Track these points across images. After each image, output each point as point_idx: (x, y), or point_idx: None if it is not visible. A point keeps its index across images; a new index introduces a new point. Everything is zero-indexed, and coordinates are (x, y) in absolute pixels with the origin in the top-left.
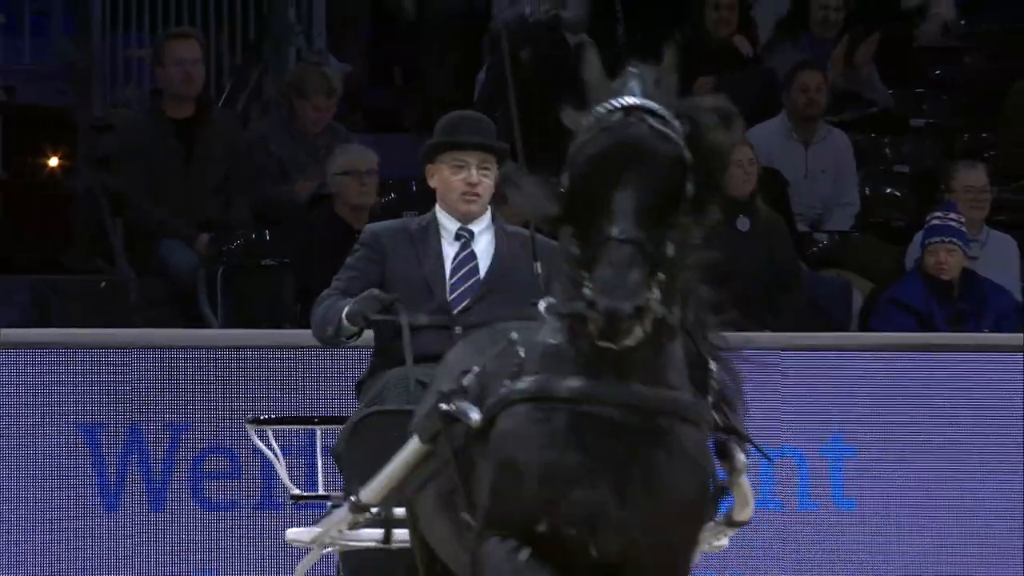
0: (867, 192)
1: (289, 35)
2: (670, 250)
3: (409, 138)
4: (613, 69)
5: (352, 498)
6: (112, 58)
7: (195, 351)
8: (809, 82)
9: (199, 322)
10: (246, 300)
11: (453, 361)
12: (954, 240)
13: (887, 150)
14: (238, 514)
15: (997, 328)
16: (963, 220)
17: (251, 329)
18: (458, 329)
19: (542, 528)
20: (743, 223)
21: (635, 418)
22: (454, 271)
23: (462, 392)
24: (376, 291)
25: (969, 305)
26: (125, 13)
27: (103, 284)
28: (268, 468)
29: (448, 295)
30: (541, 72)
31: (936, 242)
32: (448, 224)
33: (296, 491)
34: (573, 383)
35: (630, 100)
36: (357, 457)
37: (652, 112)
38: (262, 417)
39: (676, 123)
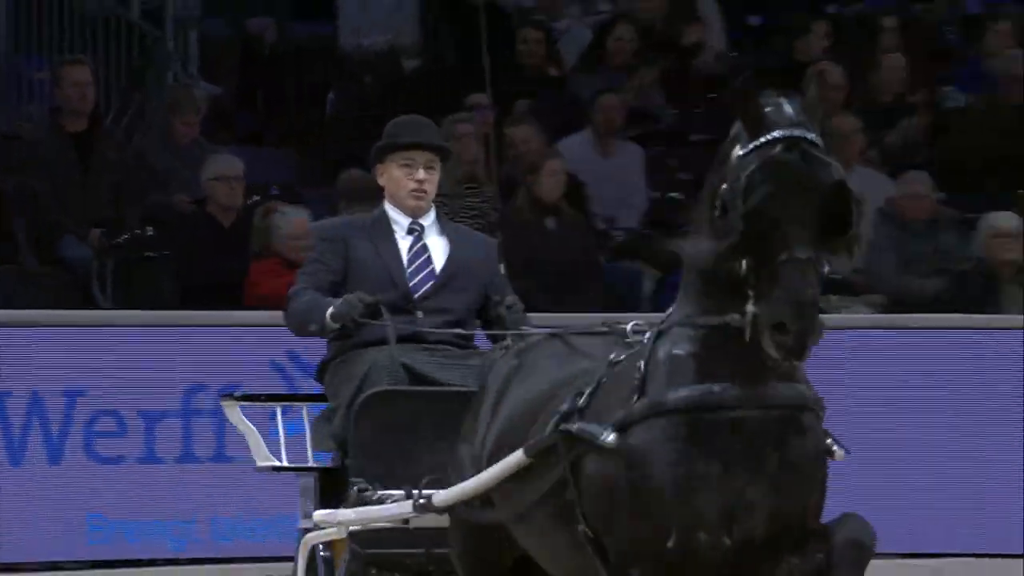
0: (655, 195)
1: (168, 62)
2: (826, 267)
3: (270, 151)
4: (450, 91)
5: (422, 500)
6: (17, 79)
7: (88, 329)
8: (608, 104)
9: (92, 305)
10: (132, 287)
11: (536, 381)
12: None
13: (671, 160)
14: (124, 467)
15: None
16: None
17: (137, 311)
18: (420, 314)
19: (671, 543)
20: (551, 223)
21: (775, 414)
22: (411, 261)
23: (578, 412)
24: (361, 294)
25: None
26: (27, 40)
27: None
28: (152, 427)
29: (408, 283)
30: (380, 92)
31: None
32: (399, 219)
33: (262, 463)
34: (727, 390)
35: (788, 132)
36: (365, 438)
37: (808, 141)
38: (236, 394)
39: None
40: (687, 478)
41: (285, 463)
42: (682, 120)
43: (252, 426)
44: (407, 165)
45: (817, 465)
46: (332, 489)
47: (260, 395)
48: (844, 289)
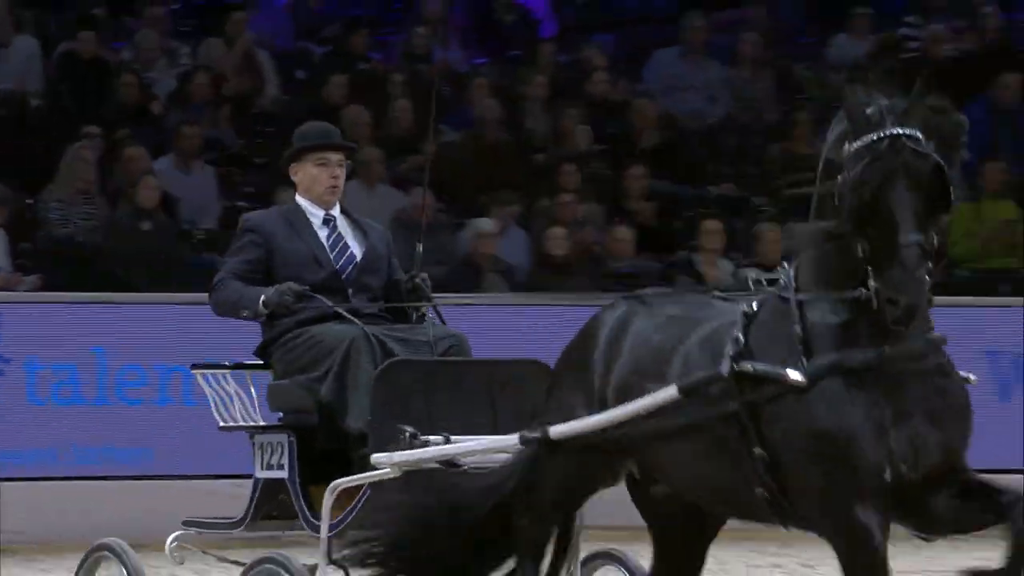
0: (226, 204)
1: None
2: (935, 242)
3: None
4: (68, 124)
5: (538, 434)
6: None
7: None
8: (189, 133)
9: None
10: None
11: (666, 332)
12: None
13: (237, 178)
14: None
15: None
16: None
17: None
18: (350, 291)
19: (890, 478)
20: (147, 224)
21: (929, 365)
22: (332, 247)
23: (744, 356)
24: (291, 284)
25: None
26: None
27: None
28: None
29: (335, 266)
30: (12, 125)
31: None
32: (313, 211)
33: (220, 423)
34: (886, 351)
35: (892, 131)
36: (388, 399)
37: (910, 137)
38: (201, 363)
39: (924, 140)
40: (878, 421)
41: (244, 423)
42: (246, 147)
43: (213, 390)
44: (323, 164)
45: (967, 399)
46: (309, 443)
47: (223, 364)
48: None
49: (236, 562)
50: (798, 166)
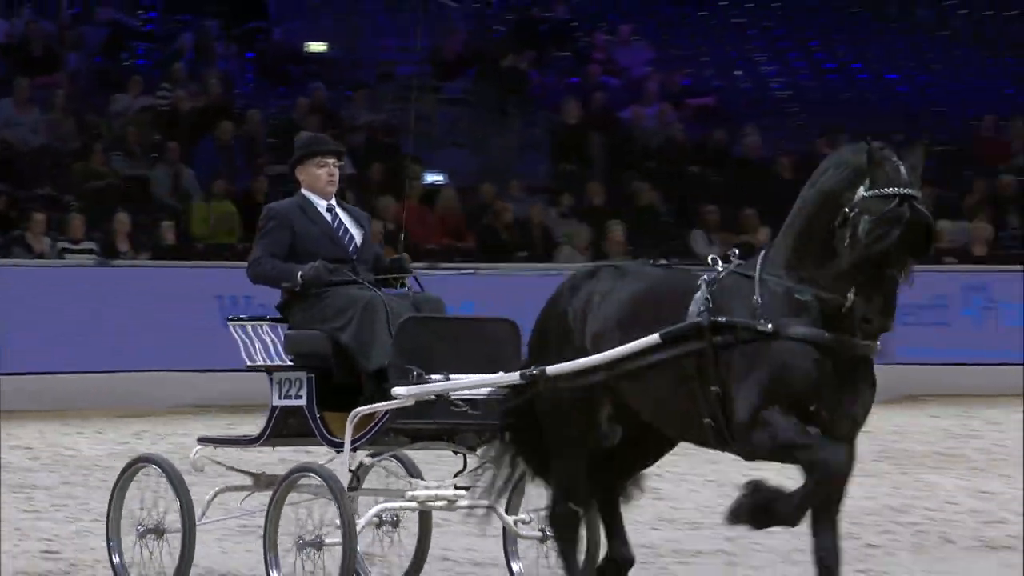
0: None
1: None
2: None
3: None
4: None
5: (535, 371)
6: None
7: None
8: None
9: None
10: None
11: (633, 292)
12: None
13: None
14: None
15: None
16: None
17: None
18: (361, 268)
19: (812, 408)
20: None
21: (860, 356)
22: (337, 230)
23: (713, 312)
24: (323, 262)
25: None
26: None
27: None
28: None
29: (346, 246)
30: None
31: None
32: (318, 202)
33: (247, 362)
34: (831, 335)
35: (904, 191)
36: (405, 347)
37: (915, 197)
38: (238, 316)
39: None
40: (816, 372)
41: (268, 362)
42: None
43: (242, 337)
44: (322, 165)
45: (872, 398)
46: (322, 379)
47: (255, 317)
48: None
49: (244, 471)
50: (95, 176)
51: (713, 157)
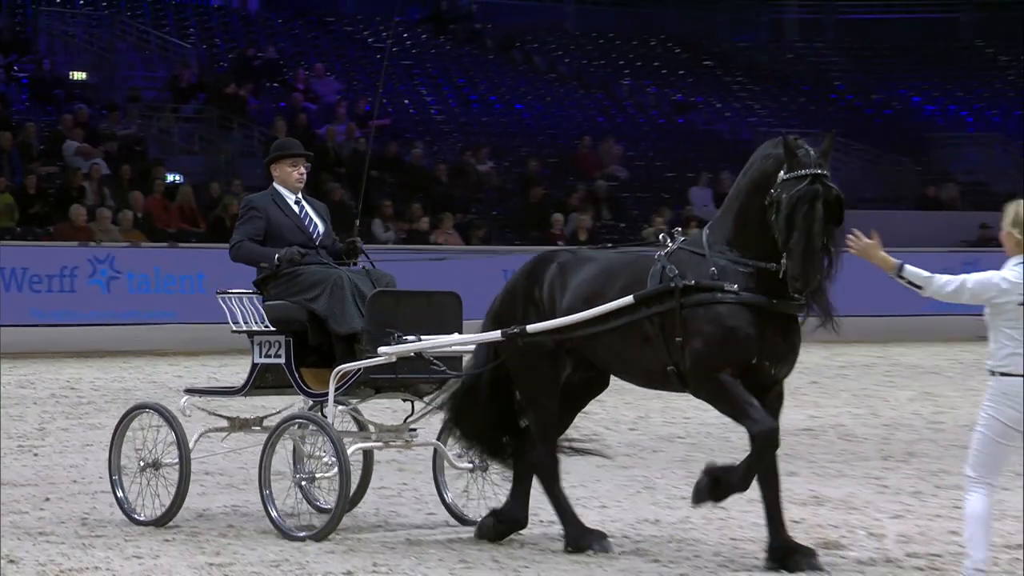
0: None
1: None
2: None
3: None
4: None
5: (516, 329)
6: None
7: None
8: None
9: None
10: None
11: (598, 270)
12: None
13: None
14: None
15: None
16: None
17: None
18: (322, 252)
19: (753, 361)
20: None
21: (791, 315)
22: (303, 219)
23: (675, 278)
24: (296, 248)
25: None
26: None
27: None
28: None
29: (310, 233)
30: None
31: None
32: (288, 195)
33: (233, 328)
34: (764, 298)
35: (814, 171)
36: (376, 316)
37: (825, 175)
38: (225, 290)
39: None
40: (759, 331)
41: (251, 327)
42: None
43: (229, 307)
44: (293, 165)
45: (800, 342)
46: (303, 341)
47: (240, 291)
48: None
49: (226, 417)
50: None
51: (388, 164)
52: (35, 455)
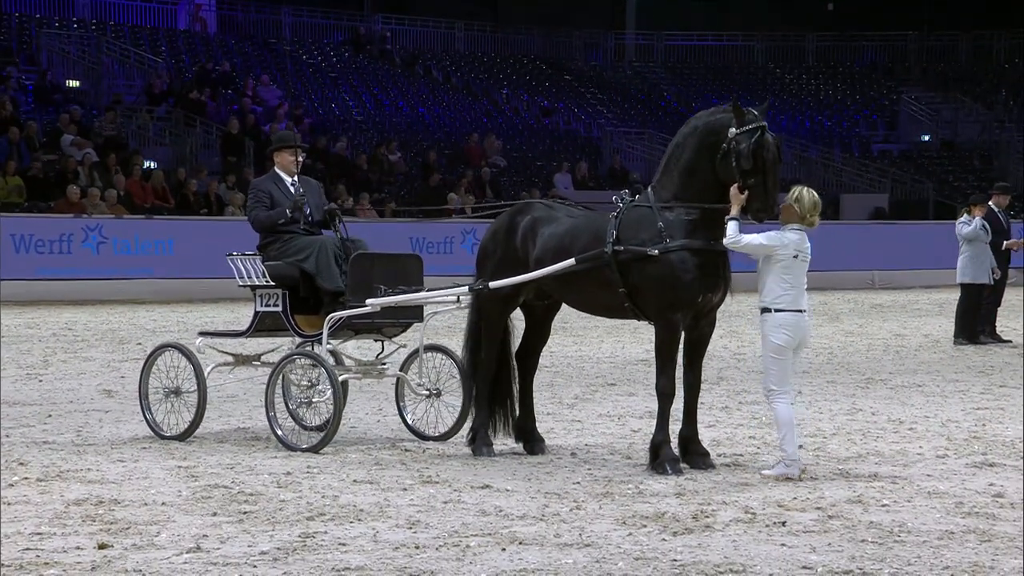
0: None
1: None
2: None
3: None
4: None
5: (483, 285)
6: None
7: None
8: None
9: None
10: None
11: (565, 228)
12: None
13: None
14: None
15: None
16: None
17: None
18: (311, 218)
19: (700, 300)
20: None
21: (722, 252)
22: (299, 195)
23: (618, 241)
24: (296, 200)
25: None
26: None
27: None
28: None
29: (303, 208)
30: None
31: None
32: (286, 177)
33: (240, 282)
34: (708, 241)
35: (762, 123)
36: (357, 275)
37: (768, 128)
38: (232, 253)
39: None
40: (697, 275)
41: (254, 282)
42: None
43: (235, 266)
44: (292, 154)
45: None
46: (292, 293)
47: (247, 253)
48: None
49: (234, 354)
50: None
51: (319, 155)
52: (39, 381)
